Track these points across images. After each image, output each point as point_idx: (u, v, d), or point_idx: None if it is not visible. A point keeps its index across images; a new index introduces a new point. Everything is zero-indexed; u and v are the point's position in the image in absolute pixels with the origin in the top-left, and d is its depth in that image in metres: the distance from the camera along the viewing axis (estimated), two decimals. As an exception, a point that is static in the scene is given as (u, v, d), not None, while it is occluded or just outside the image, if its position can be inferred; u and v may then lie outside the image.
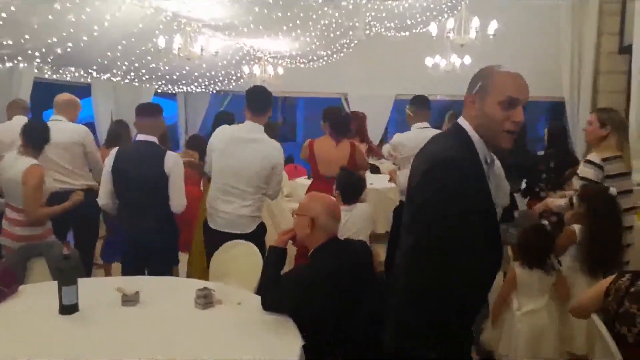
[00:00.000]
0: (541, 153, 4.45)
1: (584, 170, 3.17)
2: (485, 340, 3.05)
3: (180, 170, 3.27)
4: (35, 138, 3.35)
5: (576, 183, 3.24)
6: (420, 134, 3.78)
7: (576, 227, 3.00)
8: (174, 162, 3.22)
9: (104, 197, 3.32)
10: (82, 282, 2.33)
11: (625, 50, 6.79)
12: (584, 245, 2.92)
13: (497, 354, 3.03)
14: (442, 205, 1.58)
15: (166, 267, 3.25)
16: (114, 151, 3.35)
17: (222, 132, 3.33)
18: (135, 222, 3.24)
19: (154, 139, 3.30)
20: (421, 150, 1.80)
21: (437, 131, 3.47)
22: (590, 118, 3.32)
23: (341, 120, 4.14)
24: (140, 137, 3.30)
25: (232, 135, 3.28)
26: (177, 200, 3.24)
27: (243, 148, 3.22)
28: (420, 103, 3.95)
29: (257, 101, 3.29)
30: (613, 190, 2.94)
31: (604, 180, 3.11)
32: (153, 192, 3.20)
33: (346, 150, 4.06)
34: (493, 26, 5.21)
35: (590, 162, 3.15)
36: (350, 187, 3.41)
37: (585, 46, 7.08)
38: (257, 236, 3.21)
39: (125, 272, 3.29)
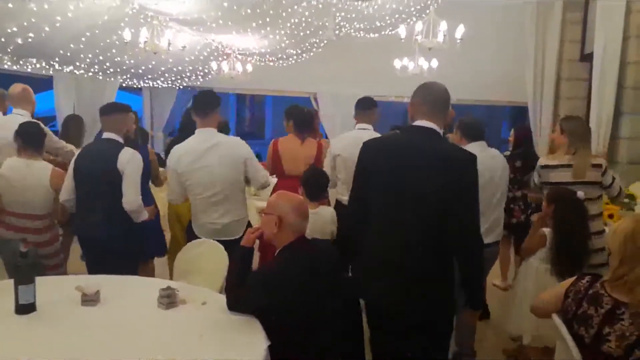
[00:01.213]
0: (507, 154, 4.55)
1: (534, 174, 3.45)
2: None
3: (135, 167, 3.18)
4: (35, 139, 3.38)
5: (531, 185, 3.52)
6: (358, 134, 3.72)
7: (546, 231, 3.07)
8: (128, 159, 3.15)
9: (65, 193, 3.28)
10: (40, 280, 2.25)
11: (586, 58, 7.00)
12: (552, 247, 2.99)
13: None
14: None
15: (125, 267, 3.12)
16: (79, 150, 3.37)
17: (177, 153, 3.26)
18: (86, 218, 3.20)
19: (116, 137, 3.25)
20: (424, 146, 2.21)
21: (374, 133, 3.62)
22: (555, 125, 3.59)
23: (305, 118, 4.13)
24: (104, 135, 3.29)
25: (189, 151, 3.22)
26: (128, 197, 3.13)
27: (206, 157, 3.16)
28: (361, 105, 3.95)
29: (201, 105, 3.26)
30: (580, 194, 3.02)
31: (544, 186, 3.33)
32: (104, 188, 3.15)
33: (312, 149, 4.05)
34: (460, 30, 5.29)
35: (539, 167, 3.38)
36: (316, 183, 3.40)
37: (548, 53, 7.26)
38: None
39: (90, 271, 3.20)
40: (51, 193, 3.33)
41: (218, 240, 3.11)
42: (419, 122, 2.23)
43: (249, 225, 3.33)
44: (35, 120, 3.54)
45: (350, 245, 2.44)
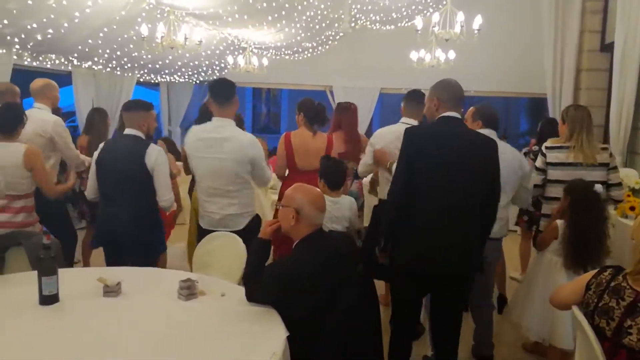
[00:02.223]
0: (535, 148, 4.49)
1: (537, 159, 3.51)
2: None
3: (163, 165, 3.21)
4: (7, 122, 3.17)
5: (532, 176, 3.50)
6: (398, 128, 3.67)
7: (559, 223, 3.04)
8: (156, 156, 3.17)
9: (91, 191, 3.32)
10: (62, 272, 2.29)
11: (607, 48, 6.88)
12: (565, 239, 2.96)
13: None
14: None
15: (146, 261, 3.17)
16: (101, 145, 3.35)
17: (194, 135, 3.27)
18: (110, 214, 3.20)
19: (139, 133, 3.26)
20: (461, 132, 2.65)
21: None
22: None
23: (316, 111, 4.10)
24: (127, 131, 3.28)
25: (203, 137, 3.20)
26: (164, 195, 3.19)
27: (217, 148, 3.15)
28: (408, 97, 3.88)
29: (223, 92, 3.20)
30: (598, 187, 2.99)
31: (547, 167, 3.43)
32: (131, 185, 3.16)
33: (323, 142, 4.02)
34: (478, 21, 5.23)
35: (539, 150, 3.53)
36: (334, 173, 3.39)
37: (567, 43, 7.16)
38: (251, 231, 3.11)
39: (109, 263, 3.25)
40: (27, 174, 3.15)
41: (220, 231, 3.14)
42: (449, 113, 2.64)
43: (258, 218, 3.34)
44: (17, 104, 3.44)
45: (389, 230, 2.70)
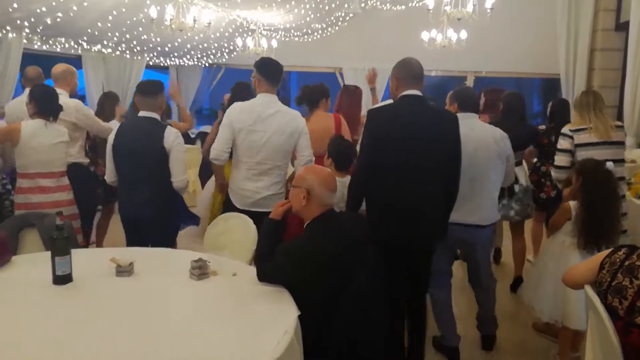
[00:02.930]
0: (542, 127, 4.45)
1: (560, 142, 3.50)
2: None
3: (181, 146, 3.25)
4: (51, 106, 3.43)
5: (557, 158, 3.53)
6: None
7: (572, 204, 3.01)
8: (174, 138, 3.20)
9: (110, 175, 3.34)
10: (75, 252, 2.32)
11: (622, 27, 6.75)
12: (578, 219, 2.93)
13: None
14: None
15: (166, 243, 3.20)
16: (115, 127, 3.37)
17: (242, 110, 3.21)
18: (131, 197, 3.22)
19: (156, 115, 3.27)
20: (424, 109, 2.74)
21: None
22: None
23: (308, 94, 4.11)
24: (142, 113, 3.28)
25: (254, 112, 3.18)
26: (179, 176, 3.22)
27: (269, 123, 3.16)
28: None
29: (274, 72, 3.25)
30: (609, 165, 2.95)
31: (575, 149, 3.44)
32: (151, 167, 3.18)
33: (323, 122, 3.98)
34: (490, 0, 5.15)
35: (563, 134, 3.50)
36: (343, 153, 3.36)
37: (581, 23, 7.03)
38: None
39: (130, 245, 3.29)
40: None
41: (254, 212, 3.11)
42: (408, 92, 2.73)
43: None
44: (52, 87, 3.56)
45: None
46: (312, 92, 4.14)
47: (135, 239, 3.27)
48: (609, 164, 2.96)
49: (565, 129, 3.52)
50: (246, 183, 3.24)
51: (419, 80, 2.77)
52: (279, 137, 3.18)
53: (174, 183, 3.23)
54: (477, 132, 3.08)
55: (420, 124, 2.66)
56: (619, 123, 3.60)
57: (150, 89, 3.30)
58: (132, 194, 3.21)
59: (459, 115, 2.96)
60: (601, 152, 3.33)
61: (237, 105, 3.25)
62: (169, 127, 3.27)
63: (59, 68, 4.05)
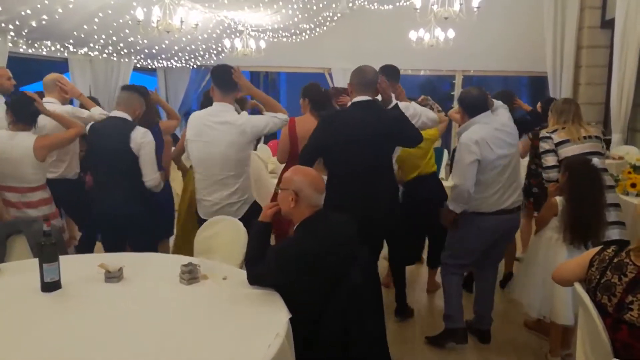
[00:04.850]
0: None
1: (542, 145, 3.56)
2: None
3: (149, 145, 3.23)
4: (25, 114, 3.24)
5: (544, 160, 3.53)
6: None
7: (558, 199, 3.04)
8: (142, 137, 3.20)
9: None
10: (64, 259, 2.30)
11: (607, 24, 6.81)
12: (564, 214, 2.95)
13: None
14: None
15: (146, 243, 3.19)
16: (87, 127, 3.37)
17: (194, 120, 3.21)
18: (104, 197, 3.24)
19: (125, 115, 3.29)
20: (368, 116, 2.95)
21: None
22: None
23: (322, 97, 4.01)
24: (114, 112, 3.33)
25: (203, 122, 3.16)
26: (149, 175, 3.23)
27: (217, 133, 3.10)
28: (383, 73, 3.74)
29: (225, 80, 3.16)
30: (596, 161, 2.98)
31: (556, 147, 3.49)
32: (120, 167, 3.20)
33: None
34: (477, -1, 5.17)
35: (542, 138, 3.58)
36: (317, 93, 3.39)
37: (567, 20, 7.09)
38: (251, 219, 2.98)
39: (107, 249, 3.28)
40: (39, 164, 3.22)
41: None
42: (359, 98, 2.96)
43: (256, 205, 3.28)
44: (28, 94, 3.39)
45: None
46: (320, 94, 4.02)
47: (111, 243, 3.29)
48: (596, 161, 2.99)
49: (542, 133, 3.60)
50: (202, 193, 3.24)
51: (370, 86, 2.98)
52: (226, 149, 3.09)
53: (145, 182, 3.23)
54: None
55: (366, 127, 2.89)
56: (590, 125, 3.75)
57: (130, 86, 3.39)
58: (106, 194, 3.23)
59: (476, 119, 3.11)
60: (580, 146, 3.42)
61: (192, 115, 3.25)
62: (137, 127, 3.25)
63: (48, 77, 4.00)
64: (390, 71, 3.62)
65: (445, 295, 3.39)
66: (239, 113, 3.30)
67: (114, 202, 3.18)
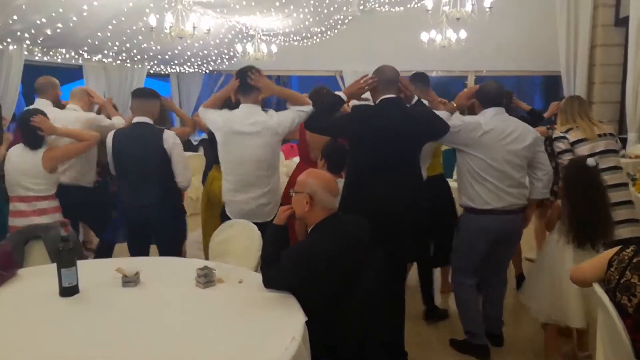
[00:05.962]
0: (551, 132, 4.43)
1: (557, 145, 3.54)
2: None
3: (180, 148, 3.36)
4: (31, 139, 3.22)
5: (561, 159, 3.50)
6: None
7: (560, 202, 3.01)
8: (174, 139, 3.31)
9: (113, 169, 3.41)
10: (81, 263, 2.32)
11: (622, 22, 6.74)
12: (565, 217, 2.92)
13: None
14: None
15: (174, 244, 3.31)
16: (110, 135, 3.39)
17: (223, 122, 3.14)
18: (138, 201, 3.27)
19: (149, 120, 3.35)
20: (395, 110, 2.94)
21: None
22: None
23: (324, 100, 3.98)
24: (136, 119, 3.36)
25: (234, 123, 3.09)
26: (182, 175, 3.34)
27: (249, 137, 3.07)
28: (412, 79, 3.76)
29: (241, 83, 3.12)
30: (591, 161, 2.91)
31: (573, 147, 3.48)
32: (154, 171, 3.26)
33: None
34: (489, -1, 5.15)
35: (557, 138, 3.56)
36: (337, 154, 3.32)
37: (581, 19, 7.02)
38: None
39: (133, 253, 3.35)
40: (50, 175, 3.24)
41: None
42: (385, 95, 2.95)
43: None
44: (38, 110, 3.36)
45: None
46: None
47: (138, 247, 3.33)
48: (590, 160, 2.92)
49: (556, 133, 3.60)
50: (233, 194, 3.19)
51: (392, 84, 3.00)
52: (259, 149, 3.08)
53: (178, 183, 3.33)
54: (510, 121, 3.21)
55: (395, 120, 2.89)
56: (602, 122, 3.76)
57: (143, 92, 3.42)
58: (138, 198, 3.27)
59: (486, 111, 3.15)
60: (596, 144, 3.43)
61: (218, 116, 3.17)
62: (166, 130, 3.36)
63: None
64: (420, 77, 3.68)
65: (459, 311, 3.37)
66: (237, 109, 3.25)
67: (145, 205, 3.24)
